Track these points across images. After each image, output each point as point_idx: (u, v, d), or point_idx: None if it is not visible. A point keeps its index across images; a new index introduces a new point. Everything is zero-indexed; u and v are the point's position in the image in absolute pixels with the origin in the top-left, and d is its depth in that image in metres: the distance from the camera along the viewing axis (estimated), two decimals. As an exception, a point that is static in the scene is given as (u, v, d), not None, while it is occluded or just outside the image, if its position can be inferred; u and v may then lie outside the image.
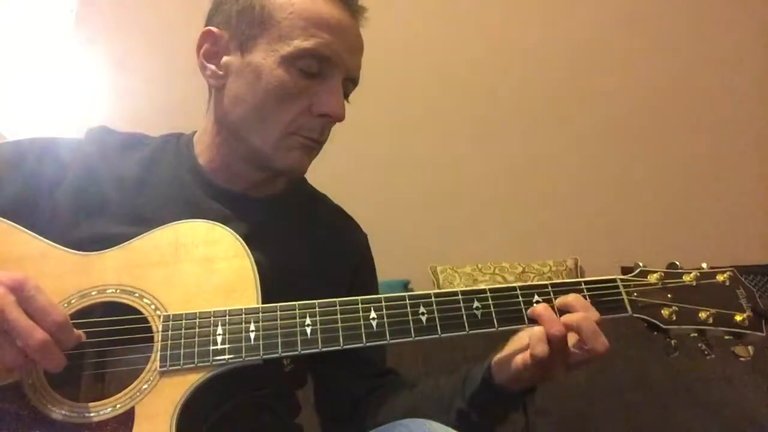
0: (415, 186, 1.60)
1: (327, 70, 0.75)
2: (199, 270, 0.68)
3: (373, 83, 1.62)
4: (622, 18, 1.75)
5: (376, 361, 0.86)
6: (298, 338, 0.64)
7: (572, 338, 0.66)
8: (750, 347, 0.73)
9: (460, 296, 0.68)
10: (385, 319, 0.66)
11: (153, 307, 0.65)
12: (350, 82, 0.80)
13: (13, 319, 0.54)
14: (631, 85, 1.72)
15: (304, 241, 0.84)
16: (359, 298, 0.67)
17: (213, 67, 0.79)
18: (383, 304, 0.67)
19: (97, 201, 0.76)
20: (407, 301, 0.67)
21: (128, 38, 1.69)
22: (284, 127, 0.75)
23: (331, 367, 0.84)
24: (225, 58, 0.78)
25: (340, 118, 0.76)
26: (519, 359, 0.67)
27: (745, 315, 0.72)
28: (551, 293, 0.69)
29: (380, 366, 0.87)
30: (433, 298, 0.68)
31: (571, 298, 0.67)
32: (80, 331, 0.60)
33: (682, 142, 1.70)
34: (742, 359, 0.73)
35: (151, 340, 0.63)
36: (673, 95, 1.72)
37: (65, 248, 0.68)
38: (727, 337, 0.73)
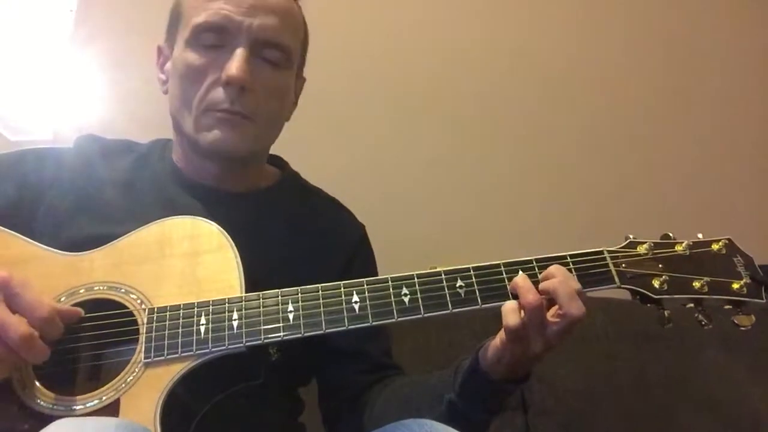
0: (415, 185, 1.58)
1: (227, 39, 0.76)
2: (185, 264, 0.69)
3: (374, 81, 1.61)
4: (624, 15, 1.69)
5: (376, 356, 0.85)
6: (281, 324, 0.64)
7: (551, 310, 0.64)
8: (752, 316, 0.70)
9: (443, 276, 0.67)
10: (368, 302, 0.66)
11: (139, 301, 0.66)
12: (266, 45, 0.78)
13: None
14: (631, 86, 1.67)
15: (293, 234, 0.84)
16: (341, 282, 0.67)
17: (162, 76, 0.84)
18: (365, 287, 0.67)
19: (86, 204, 0.79)
20: (390, 282, 0.67)
21: (128, 38, 1.69)
22: (198, 104, 0.76)
23: (330, 363, 0.84)
24: (167, 65, 0.83)
25: (239, 81, 0.74)
26: (498, 338, 0.66)
27: (742, 282, 0.69)
28: (536, 268, 0.67)
29: (380, 360, 0.85)
30: (415, 279, 0.67)
31: (552, 268, 0.66)
32: (77, 309, 0.63)
33: (683, 144, 1.64)
34: (743, 329, 0.70)
35: (138, 333, 0.64)
36: (676, 96, 1.66)
37: (55, 250, 0.71)
38: (726, 307, 0.70)
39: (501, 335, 0.65)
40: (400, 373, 0.85)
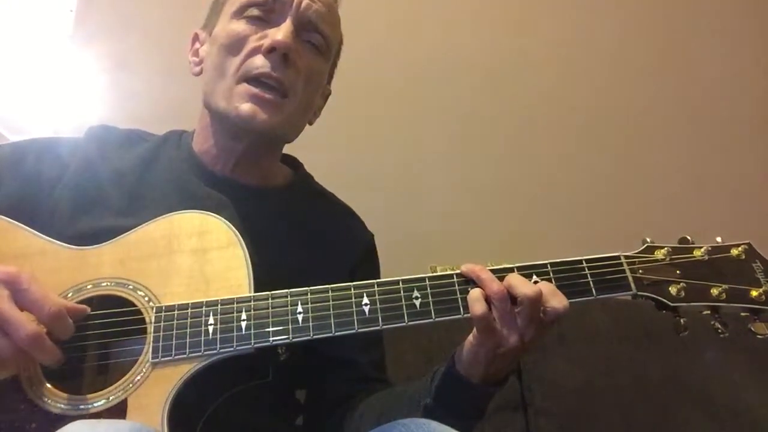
0: (415, 185, 1.61)
1: (274, 15, 0.80)
2: (193, 260, 0.70)
3: (374, 82, 1.65)
4: (622, 13, 1.73)
5: (365, 367, 0.86)
6: (290, 326, 0.66)
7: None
8: (770, 324, 0.72)
9: (455, 279, 0.69)
10: (378, 305, 0.67)
11: (147, 299, 0.68)
12: (310, 28, 0.82)
13: (3, 312, 0.57)
14: (632, 84, 1.71)
15: (301, 236, 0.87)
16: (352, 284, 0.69)
17: (195, 59, 0.88)
18: (376, 289, 0.68)
19: (96, 195, 0.81)
20: (401, 285, 0.68)
21: (128, 38, 1.74)
22: (235, 72, 0.79)
23: (318, 368, 0.85)
24: (202, 48, 0.87)
25: (284, 46, 0.77)
26: (470, 335, 0.68)
27: (761, 290, 0.71)
28: (550, 272, 0.69)
29: (368, 372, 0.86)
30: (427, 282, 0.69)
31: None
32: (83, 306, 0.65)
33: (703, 146, 1.67)
34: (759, 337, 0.72)
35: (145, 331, 0.66)
36: (696, 96, 1.69)
37: (63, 244, 0.72)
38: (743, 314, 0.72)
39: (474, 330, 0.67)
40: (383, 386, 0.86)
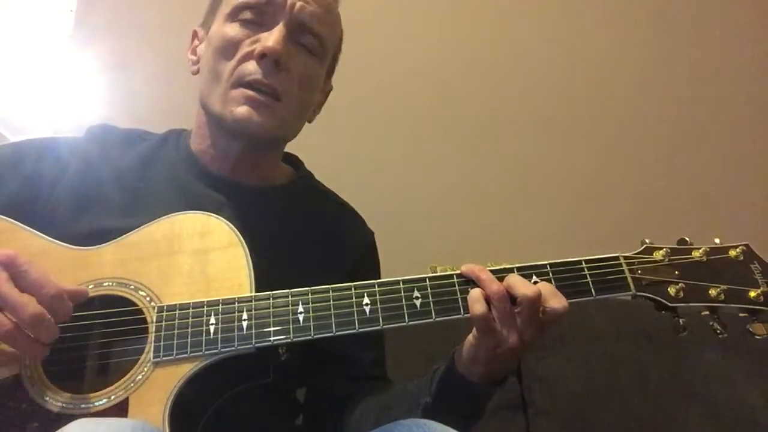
0: (415, 186, 1.63)
1: (267, 18, 0.80)
2: (194, 261, 0.71)
3: (375, 81, 1.66)
4: (624, 12, 1.74)
5: (366, 365, 0.87)
6: (291, 326, 0.67)
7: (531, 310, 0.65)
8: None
9: (455, 279, 0.70)
10: (379, 305, 0.68)
11: (148, 298, 0.69)
12: (304, 30, 0.82)
13: (4, 294, 0.58)
14: (632, 84, 1.72)
15: (302, 235, 0.87)
16: (352, 284, 0.69)
17: (193, 57, 0.88)
18: (376, 289, 0.69)
19: (96, 196, 0.82)
20: (401, 285, 0.69)
21: (128, 38, 1.75)
22: (228, 77, 0.79)
23: (319, 366, 0.86)
24: (200, 47, 0.88)
25: (275, 53, 0.77)
26: (470, 335, 0.68)
27: (760, 291, 0.71)
28: (550, 273, 0.70)
29: (369, 370, 0.87)
30: (427, 282, 0.69)
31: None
32: (83, 288, 0.65)
33: (702, 147, 1.68)
34: (758, 338, 0.73)
35: (147, 331, 0.67)
36: (695, 98, 1.70)
37: (64, 244, 0.73)
38: (741, 315, 0.73)
39: (474, 330, 0.67)
40: (384, 384, 0.86)
